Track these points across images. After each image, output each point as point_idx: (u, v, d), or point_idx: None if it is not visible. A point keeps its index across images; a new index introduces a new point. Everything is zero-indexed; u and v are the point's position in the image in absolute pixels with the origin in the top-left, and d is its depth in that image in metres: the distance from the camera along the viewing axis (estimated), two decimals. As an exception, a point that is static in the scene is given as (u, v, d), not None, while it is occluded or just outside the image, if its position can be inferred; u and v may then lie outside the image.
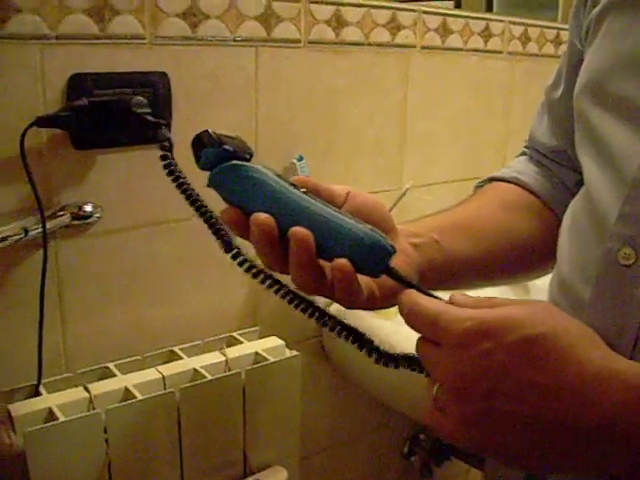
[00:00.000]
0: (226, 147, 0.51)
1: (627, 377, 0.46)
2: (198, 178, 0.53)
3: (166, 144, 0.55)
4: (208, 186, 0.53)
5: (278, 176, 0.52)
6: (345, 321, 0.57)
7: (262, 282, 0.54)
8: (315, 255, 0.50)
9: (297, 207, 0.51)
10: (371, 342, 0.57)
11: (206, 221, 0.54)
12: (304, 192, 0.52)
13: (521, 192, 0.79)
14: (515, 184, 0.80)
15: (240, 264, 0.53)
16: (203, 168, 0.52)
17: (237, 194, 0.52)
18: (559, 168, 0.80)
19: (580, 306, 0.59)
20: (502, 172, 0.83)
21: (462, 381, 0.49)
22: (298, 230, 0.49)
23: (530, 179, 0.80)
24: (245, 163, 0.52)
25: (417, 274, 0.63)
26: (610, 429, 0.45)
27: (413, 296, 0.53)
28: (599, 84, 0.63)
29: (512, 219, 0.76)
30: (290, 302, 0.54)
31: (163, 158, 0.54)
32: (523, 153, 0.88)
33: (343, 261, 0.50)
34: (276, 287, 0.54)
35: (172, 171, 0.54)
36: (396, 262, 0.54)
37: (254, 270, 0.53)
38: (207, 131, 0.52)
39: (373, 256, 0.51)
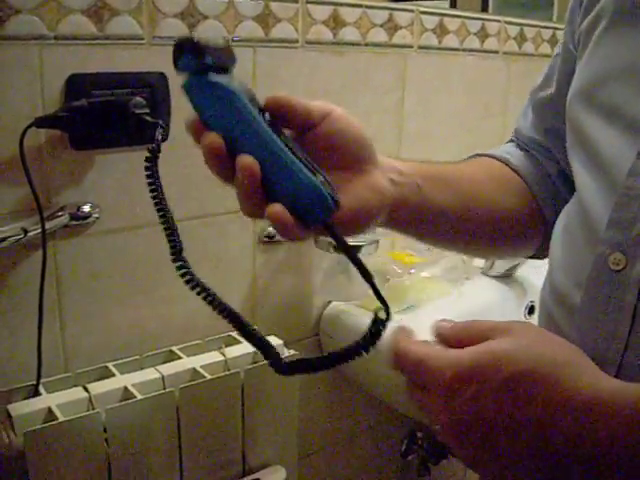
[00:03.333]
0: (205, 60, 0.50)
1: (616, 401, 0.46)
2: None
3: (152, 146, 0.55)
4: (182, 88, 0.52)
5: (251, 98, 0.52)
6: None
7: (201, 296, 0.53)
8: (260, 186, 0.51)
9: (252, 136, 0.51)
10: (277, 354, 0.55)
11: (166, 229, 0.55)
12: (270, 121, 0.53)
13: (508, 171, 0.80)
14: (504, 163, 0.81)
15: (182, 275, 0.53)
16: (179, 73, 0.52)
17: (204, 108, 0.52)
18: (543, 158, 0.82)
19: (572, 311, 0.59)
20: (491, 150, 0.85)
21: (457, 427, 0.50)
22: (244, 158, 0.50)
23: (517, 161, 0.81)
24: (219, 81, 0.51)
25: (386, 209, 0.62)
26: (605, 456, 0.46)
27: (399, 341, 0.54)
28: (592, 92, 0.64)
29: (497, 190, 0.77)
30: (228, 320, 0.55)
31: (147, 160, 0.55)
32: (511, 141, 0.90)
33: (277, 206, 0.51)
34: (214, 303, 0.54)
35: (150, 175, 0.55)
36: (365, 194, 0.59)
37: (193, 283, 0.53)
38: (191, 38, 0.50)
39: (313, 206, 0.52)
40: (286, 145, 0.52)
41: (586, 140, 0.63)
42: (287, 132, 0.56)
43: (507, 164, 0.81)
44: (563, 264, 0.64)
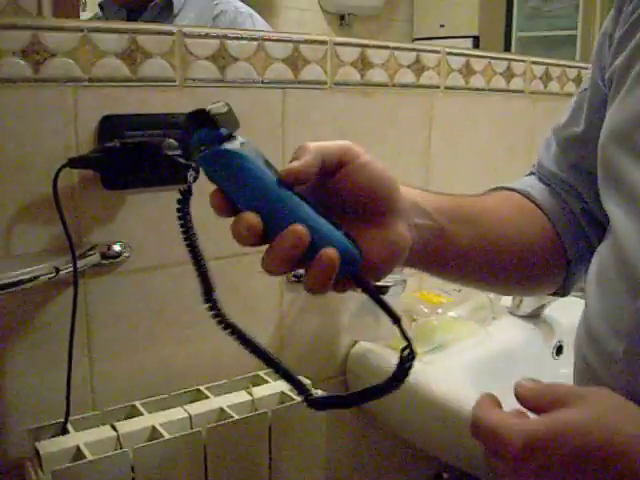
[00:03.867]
0: (222, 131, 0.50)
1: None
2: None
3: (184, 188, 0.54)
4: (199, 164, 0.52)
5: (266, 162, 0.53)
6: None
7: (233, 337, 0.54)
8: (304, 251, 0.52)
9: (276, 202, 0.52)
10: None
11: (198, 270, 0.55)
12: (287, 185, 0.53)
13: (530, 205, 0.79)
14: (525, 197, 0.80)
15: (214, 316, 0.54)
16: (194, 146, 0.52)
17: (224, 180, 0.52)
18: (565, 194, 0.80)
19: (611, 360, 0.58)
20: (513, 183, 0.83)
21: None
22: (297, 228, 0.51)
23: (539, 195, 0.79)
24: (237, 150, 0.51)
25: (405, 256, 0.61)
26: None
27: (476, 410, 0.56)
28: (628, 133, 0.63)
29: (520, 225, 0.76)
30: (261, 359, 0.55)
31: (178, 202, 0.55)
32: (531, 173, 0.88)
33: (331, 250, 0.52)
34: (246, 343, 0.55)
35: (182, 217, 0.54)
36: (383, 247, 0.58)
37: (224, 325, 0.54)
38: (205, 110, 0.51)
39: (344, 262, 0.52)
40: (308, 204, 0.53)
41: (623, 182, 0.62)
42: None
43: (528, 198, 0.79)
44: (600, 311, 0.63)
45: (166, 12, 1.15)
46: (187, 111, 0.51)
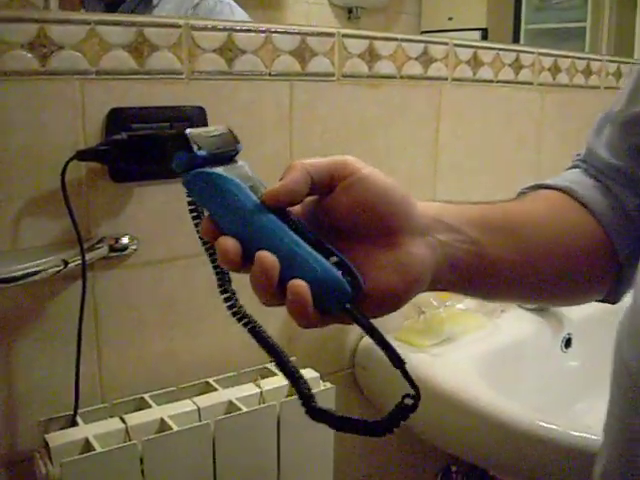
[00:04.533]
0: (199, 153, 0.49)
1: None
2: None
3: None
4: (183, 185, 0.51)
5: (253, 187, 0.51)
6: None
7: (246, 329, 0.53)
8: (276, 282, 0.48)
9: (256, 228, 0.49)
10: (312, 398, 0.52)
11: (212, 261, 0.54)
12: (273, 209, 0.50)
13: (572, 204, 0.69)
14: (568, 195, 0.69)
15: (229, 307, 0.53)
16: (176, 170, 0.51)
17: (207, 203, 0.50)
18: (618, 187, 0.69)
19: None
20: (553, 180, 0.73)
21: None
22: (263, 257, 0.48)
23: (585, 191, 0.69)
24: (216, 172, 0.50)
25: (426, 280, 0.54)
26: None
27: None
28: None
29: (562, 231, 0.67)
30: (268, 353, 0.53)
31: (189, 197, 0.54)
32: (575, 166, 0.76)
33: (298, 282, 0.48)
34: (258, 336, 0.53)
35: (194, 210, 0.54)
36: (395, 272, 0.51)
37: (238, 316, 0.53)
38: (183, 133, 0.50)
39: (328, 294, 0.49)
40: (293, 228, 0.50)
41: None
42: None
43: (571, 195, 0.69)
44: None
45: (145, 3, 1.14)
46: (194, 104, 0.56)
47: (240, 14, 1.20)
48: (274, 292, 0.49)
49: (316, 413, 0.51)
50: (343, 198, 0.52)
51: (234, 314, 0.52)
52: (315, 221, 0.53)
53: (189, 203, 0.54)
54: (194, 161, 0.50)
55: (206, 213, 0.51)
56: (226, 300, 0.52)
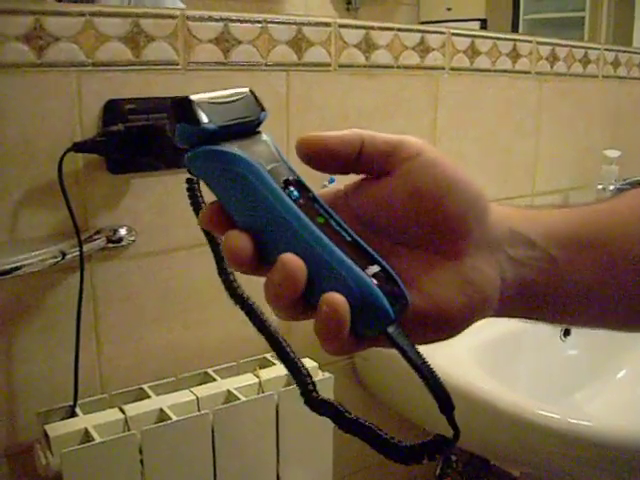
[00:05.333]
0: (206, 126, 0.39)
1: None
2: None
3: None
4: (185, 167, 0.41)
5: (272, 170, 0.40)
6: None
7: (246, 313, 0.45)
8: (302, 292, 0.38)
9: (280, 226, 0.39)
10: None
11: (212, 246, 0.45)
12: (300, 195, 0.40)
13: None
14: None
15: (228, 289, 0.45)
16: (178, 145, 0.41)
17: (215, 187, 0.40)
18: None
19: None
20: None
21: None
22: (289, 259, 0.38)
23: None
24: (227, 151, 0.39)
25: (492, 304, 0.44)
26: None
27: None
28: None
29: None
30: (267, 339, 0.45)
31: (188, 182, 0.45)
32: None
33: (336, 295, 0.37)
34: (257, 321, 0.45)
35: (192, 196, 0.45)
36: (454, 291, 0.41)
37: (238, 299, 0.45)
38: (187, 98, 0.39)
39: (364, 315, 0.38)
40: (322, 228, 0.39)
41: None
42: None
43: None
44: None
45: None
46: (189, 94, 0.40)
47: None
48: (297, 303, 0.39)
49: (318, 405, 0.42)
50: (400, 184, 0.41)
51: (232, 296, 0.44)
52: (360, 214, 0.43)
53: (188, 182, 0.46)
54: (201, 135, 0.39)
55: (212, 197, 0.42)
56: (225, 282, 0.44)
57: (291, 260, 0.37)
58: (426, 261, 0.41)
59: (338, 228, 0.40)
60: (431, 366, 0.39)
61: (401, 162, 0.41)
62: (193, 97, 0.39)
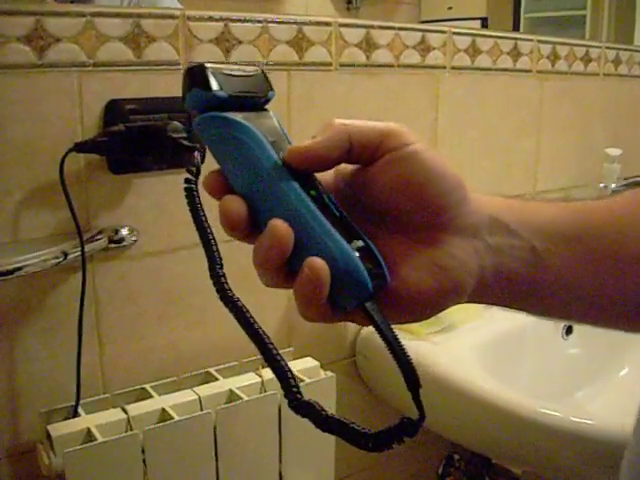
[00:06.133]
0: (217, 93, 0.41)
1: None
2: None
3: (193, 169, 0.46)
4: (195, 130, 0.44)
5: (273, 142, 0.42)
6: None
7: (232, 312, 0.44)
8: (287, 256, 0.41)
9: (269, 189, 0.41)
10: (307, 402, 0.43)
11: (204, 243, 0.45)
12: (294, 171, 0.42)
13: None
14: None
15: (217, 291, 0.45)
16: (189, 110, 0.45)
17: (218, 154, 0.43)
18: None
19: None
20: None
21: None
22: (277, 224, 0.40)
23: None
24: (234, 118, 0.42)
25: (467, 289, 0.45)
26: None
27: None
28: None
29: None
30: (251, 338, 0.44)
31: (187, 182, 0.46)
32: None
33: (319, 260, 0.39)
34: (243, 321, 0.44)
35: (190, 196, 0.46)
36: (430, 274, 0.43)
37: (226, 300, 0.44)
38: (202, 65, 0.42)
39: (343, 285, 0.40)
40: (314, 198, 0.42)
41: None
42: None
43: None
44: None
45: None
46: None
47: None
48: (280, 270, 0.42)
49: (300, 406, 0.42)
50: (386, 173, 0.43)
51: (222, 298, 0.45)
52: (349, 195, 0.46)
53: (186, 189, 0.46)
54: (210, 102, 0.42)
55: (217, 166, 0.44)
56: (215, 284, 0.45)
57: (279, 225, 0.40)
58: (405, 245, 0.44)
59: (329, 202, 0.42)
60: (403, 345, 0.41)
61: (387, 151, 0.43)
62: (208, 64, 0.42)
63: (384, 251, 0.43)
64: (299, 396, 0.42)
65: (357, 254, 0.40)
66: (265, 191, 0.41)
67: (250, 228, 0.42)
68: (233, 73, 0.43)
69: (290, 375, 0.43)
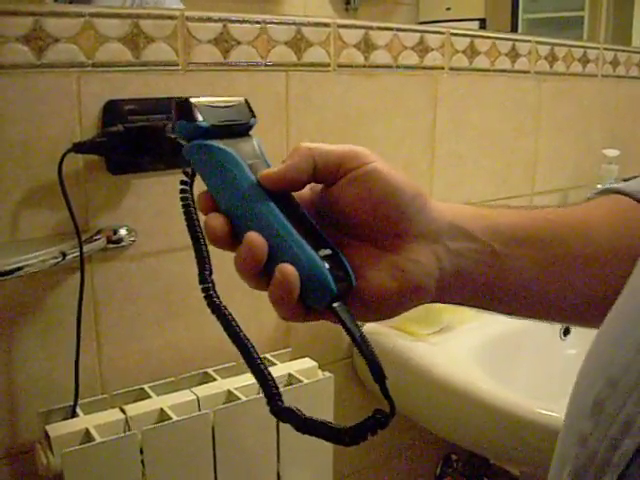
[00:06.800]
0: (200, 124, 0.47)
1: None
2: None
3: (188, 170, 0.49)
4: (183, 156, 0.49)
5: (251, 165, 0.47)
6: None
7: (219, 321, 0.49)
8: (262, 264, 0.46)
9: (246, 206, 0.46)
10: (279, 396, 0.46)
11: (195, 250, 0.49)
12: (270, 191, 0.47)
13: None
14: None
15: (205, 297, 0.49)
16: (178, 139, 0.48)
17: (204, 176, 0.48)
18: None
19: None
20: (626, 184, 0.57)
21: None
22: (251, 236, 0.45)
23: None
24: (214, 145, 0.47)
25: (428, 290, 0.49)
26: None
27: None
28: None
29: (623, 244, 0.53)
30: (239, 350, 0.48)
31: (182, 184, 0.50)
32: None
33: (288, 266, 0.44)
34: (228, 328, 0.48)
35: (184, 198, 0.49)
36: (391, 277, 0.47)
37: (213, 307, 0.49)
38: (187, 100, 0.47)
39: (310, 288, 0.45)
40: (287, 213, 0.46)
41: None
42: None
43: None
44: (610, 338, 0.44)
45: None
46: (190, 95, 0.48)
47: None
48: (259, 276, 0.46)
49: (281, 412, 0.46)
50: (348, 191, 0.48)
51: (209, 304, 0.49)
52: (322, 210, 0.50)
53: (182, 191, 0.49)
54: (196, 131, 0.47)
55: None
56: (203, 290, 0.49)
57: (254, 237, 0.45)
58: (370, 252, 0.48)
59: (300, 216, 0.47)
60: (368, 340, 0.45)
61: (348, 171, 0.48)
62: (192, 99, 0.47)
63: (352, 258, 0.48)
64: (280, 403, 0.46)
65: (322, 260, 0.45)
66: (243, 208, 0.46)
67: (232, 240, 0.47)
68: (216, 105, 0.48)
69: (272, 382, 0.46)
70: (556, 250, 0.52)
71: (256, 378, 0.47)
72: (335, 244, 0.48)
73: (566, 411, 0.45)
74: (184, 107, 0.47)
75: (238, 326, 0.48)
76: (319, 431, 0.45)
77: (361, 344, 0.45)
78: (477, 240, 0.50)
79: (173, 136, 0.51)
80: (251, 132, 0.50)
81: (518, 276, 0.51)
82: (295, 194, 0.49)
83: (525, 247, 0.51)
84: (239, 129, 0.49)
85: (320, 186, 0.50)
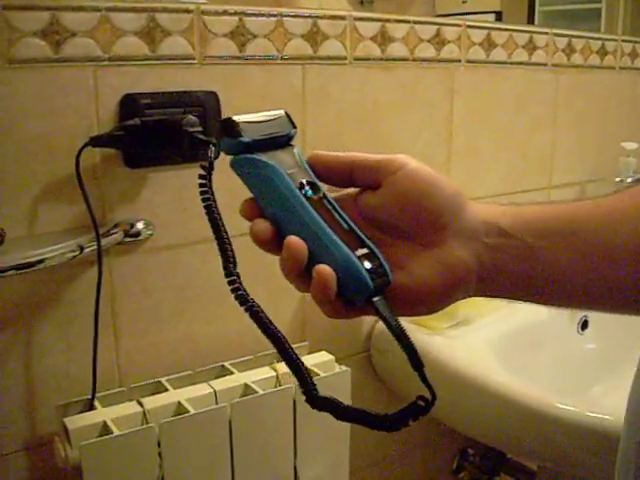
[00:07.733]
0: (242, 139, 0.50)
1: None
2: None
3: (206, 164, 0.53)
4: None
5: (291, 173, 0.51)
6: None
7: (248, 313, 0.51)
8: (303, 266, 0.48)
9: (289, 212, 0.50)
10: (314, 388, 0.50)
11: (219, 243, 0.52)
12: (314, 195, 0.51)
13: None
14: None
15: (232, 290, 0.51)
16: (225, 153, 0.52)
17: (250, 186, 0.52)
18: None
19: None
20: None
21: None
22: (291, 240, 0.48)
23: None
24: (255, 157, 0.50)
25: (468, 284, 0.51)
26: None
27: None
28: None
29: None
30: (272, 343, 0.51)
31: (201, 177, 0.53)
32: None
33: (324, 267, 0.47)
34: (260, 321, 0.50)
35: (204, 192, 0.52)
36: (430, 272, 0.50)
37: (242, 299, 0.51)
38: (230, 119, 0.51)
39: (349, 285, 0.48)
40: (326, 216, 0.50)
41: None
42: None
43: None
44: None
45: None
46: (207, 89, 0.58)
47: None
48: (302, 277, 0.49)
49: (318, 402, 0.49)
50: (389, 192, 0.51)
51: (237, 297, 0.51)
52: (362, 210, 0.53)
53: (201, 185, 0.52)
54: (238, 146, 0.50)
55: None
56: (230, 283, 0.51)
57: (293, 241, 0.48)
58: (412, 249, 0.51)
59: (339, 219, 0.50)
60: (407, 333, 0.48)
61: (388, 175, 0.51)
62: (235, 117, 0.51)
63: (397, 255, 0.50)
64: (315, 392, 0.49)
65: (358, 259, 0.48)
66: (284, 213, 0.50)
67: (277, 243, 0.50)
68: (257, 120, 0.51)
69: (307, 374, 0.49)
70: (586, 239, 0.52)
71: (290, 368, 0.50)
72: (377, 243, 0.50)
73: (624, 417, 0.49)
74: (227, 125, 0.50)
75: (268, 319, 0.50)
76: (359, 418, 0.49)
77: (400, 335, 0.48)
78: (511, 236, 0.52)
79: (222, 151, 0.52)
80: (293, 142, 0.53)
81: (553, 266, 0.52)
82: (339, 199, 0.52)
83: (558, 239, 0.52)
84: (280, 140, 0.52)
85: (360, 190, 0.53)
